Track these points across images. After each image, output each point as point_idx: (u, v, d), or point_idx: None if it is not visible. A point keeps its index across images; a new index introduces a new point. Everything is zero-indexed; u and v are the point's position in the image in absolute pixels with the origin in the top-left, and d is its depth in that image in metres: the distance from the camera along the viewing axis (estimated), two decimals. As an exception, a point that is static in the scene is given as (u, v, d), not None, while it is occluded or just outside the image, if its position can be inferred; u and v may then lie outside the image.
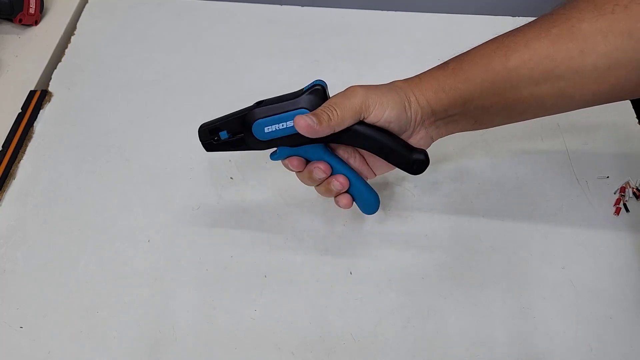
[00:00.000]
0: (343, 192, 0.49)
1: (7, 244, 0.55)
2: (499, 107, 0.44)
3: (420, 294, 0.52)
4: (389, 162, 0.47)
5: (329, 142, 0.46)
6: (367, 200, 0.50)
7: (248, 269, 0.54)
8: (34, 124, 0.65)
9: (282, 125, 0.45)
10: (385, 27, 0.75)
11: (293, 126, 0.44)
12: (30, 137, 0.64)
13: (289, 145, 0.47)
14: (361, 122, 0.45)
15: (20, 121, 0.64)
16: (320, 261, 0.54)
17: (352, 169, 0.49)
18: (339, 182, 0.47)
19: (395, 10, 0.76)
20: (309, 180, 0.49)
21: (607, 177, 0.59)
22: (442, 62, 0.47)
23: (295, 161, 0.48)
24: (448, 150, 0.61)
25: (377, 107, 0.44)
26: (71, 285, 0.53)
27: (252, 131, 0.46)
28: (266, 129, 0.45)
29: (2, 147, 0.62)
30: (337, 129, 0.44)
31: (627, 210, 0.56)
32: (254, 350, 0.49)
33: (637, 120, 0.64)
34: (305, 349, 0.49)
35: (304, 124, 0.43)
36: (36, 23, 0.75)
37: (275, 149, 0.48)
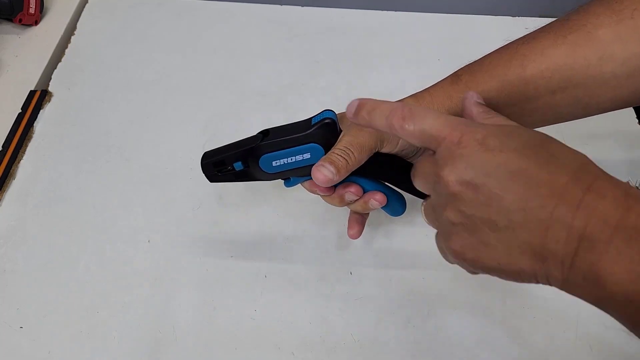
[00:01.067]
0: (369, 191, 0.46)
1: (7, 244, 0.55)
2: (513, 117, 0.41)
3: (420, 294, 0.52)
4: (399, 188, 0.46)
5: None
6: (393, 204, 0.47)
7: (248, 269, 0.54)
8: (34, 124, 0.65)
9: (291, 159, 0.43)
10: (385, 27, 0.75)
11: (302, 160, 0.43)
12: (30, 137, 0.64)
13: (299, 176, 0.45)
14: (378, 155, 0.43)
15: (20, 121, 0.64)
16: (320, 261, 0.54)
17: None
18: (352, 192, 0.44)
19: (395, 10, 0.76)
20: (340, 203, 0.46)
21: (607, 177, 0.59)
22: (453, 73, 0.45)
23: (322, 187, 0.44)
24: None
25: (392, 138, 0.42)
26: (71, 285, 0.53)
27: (260, 165, 0.44)
28: (274, 163, 0.44)
29: (2, 147, 0.62)
30: (355, 168, 0.42)
31: (627, 210, 0.56)
32: (254, 350, 0.49)
33: (637, 120, 0.64)
34: (305, 349, 0.49)
35: (323, 178, 0.40)
36: (36, 23, 0.75)
37: (288, 178, 0.46)
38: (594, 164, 0.30)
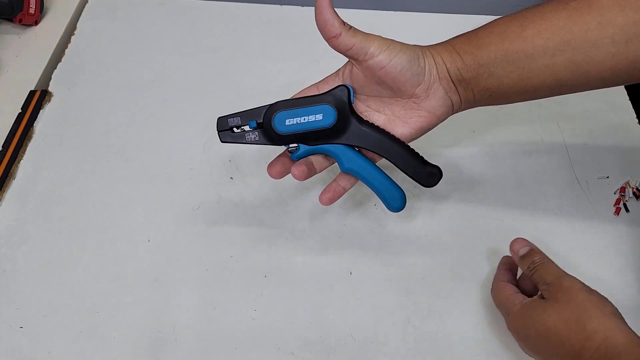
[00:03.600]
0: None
1: (7, 244, 0.55)
2: (513, 78, 0.43)
3: (420, 294, 0.52)
4: (403, 171, 0.47)
5: (348, 144, 0.46)
6: (392, 195, 0.48)
7: (248, 268, 0.54)
8: (34, 124, 0.65)
9: (304, 119, 0.45)
10: (385, 27, 0.74)
11: (315, 121, 0.45)
12: (30, 137, 0.64)
13: (307, 142, 0.46)
14: (381, 130, 0.45)
15: (20, 121, 0.64)
16: (320, 261, 0.54)
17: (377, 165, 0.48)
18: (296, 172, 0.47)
19: (395, 10, 0.76)
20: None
21: (607, 177, 0.59)
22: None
23: (298, 169, 0.47)
24: (448, 150, 0.61)
25: (391, 49, 0.43)
26: (71, 285, 0.53)
27: (273, 123, 0.45)
28: (287, 122, 0.45)
29: (2, 147, 0.62)
30: (342, 38, 0.42)
31: (627, 210, 0.56)
32: (254, 350, 0.49)
33: (637, 120, 0.64)
34: (305, 349, 0.49)
35: (327, 11, 0.42)
36: (36, 23, 0.75)
37: (296, 147, 0.47)
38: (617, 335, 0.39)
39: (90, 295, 0.52)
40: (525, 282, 0.49)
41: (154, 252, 0.55)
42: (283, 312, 0.51)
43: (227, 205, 0.58)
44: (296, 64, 0.70)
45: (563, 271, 0.45)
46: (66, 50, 0.72)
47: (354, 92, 0.46)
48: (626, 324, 0.40)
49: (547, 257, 0.47)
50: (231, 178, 0.60)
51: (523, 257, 0.47)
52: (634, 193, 0.57)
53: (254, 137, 0.47)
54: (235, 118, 0.47)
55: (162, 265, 0.54)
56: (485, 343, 0.49)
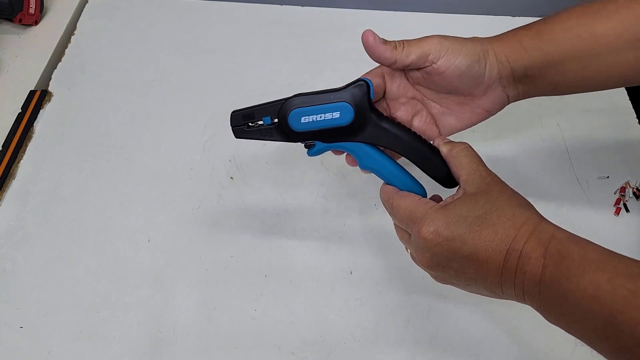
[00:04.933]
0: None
1: (7, 244, 0.55)
2: (579, 74, 0.43)
3: (420, 294, 0.52)
4: (424, 171, 0.46)
5: (368, 142, 0.45)
6: (412, 191, 0.46)
7: (248, 269, 0.54)
8: (34, 124, 0.65)
9: (321, 116, 0.43)
10: (385, 27, 0.74)
11: (332, 119, 0.43)
12: (30, 137, 0.64)
13: (324, 140, 0.45)
14: (401, 127, 0.44)
15: (20, 121, 0.64)
16: (320, 261, 0.54)
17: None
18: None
19: (395, 10, 0.76)
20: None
21: (607, 177, 0.59)
22: (527, 24, 0.46)
23: (349, 159, 0.47)
24: (448, 150, 0.61)
25: (450, 53, 0.42)
26: (71, 285, 0.53)
27: (288, 120, 0.44)
28: (303, 119, 0.43)
29: (2, 147, 0.62)
30: (399, 63, 0.42)
31: (627, 210, 0.56)
32: (254, 350, 0.49)
33: (637, 120, 0.64)
34: (305, 349, 0.49)
35: (370, 35, 0.42)
36: (36, 23, 0.75)
37: (312, 144, 0.46)
38: (529, 223, 0.38)
39: (90, 295, 0.52)
40: None
41: (154, 252, 0.55)
42: (283, 312, 0.51)
43: (227, 205, 0.58)
44: (296, 64, 0.70)
45: (477, 161, 0.43)
46: (66, 50, 0.72)
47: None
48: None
49: (456, 145, 0.44)
50: (231, 178, 0.60)
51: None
52: (634, 193, 0.57)
53: (269, 134, 0.45)
54: (249, 113, 0.45)
55: (162, 265, 0.54)
56: (485, 343, 0.49)
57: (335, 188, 0.59)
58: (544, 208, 0.57)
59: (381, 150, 0.46)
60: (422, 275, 0.53)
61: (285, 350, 0.49)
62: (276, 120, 0.44)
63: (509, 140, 0.62)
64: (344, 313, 0.51)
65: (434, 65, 0.43)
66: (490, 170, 0.42)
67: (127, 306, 0.51)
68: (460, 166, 0.42)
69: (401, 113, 0.47)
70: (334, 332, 0.50)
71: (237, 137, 0.46)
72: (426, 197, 0.46)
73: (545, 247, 0.36)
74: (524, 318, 0.50)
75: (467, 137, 0.60)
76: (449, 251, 0.38)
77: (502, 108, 0.47)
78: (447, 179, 0.45)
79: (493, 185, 0.40)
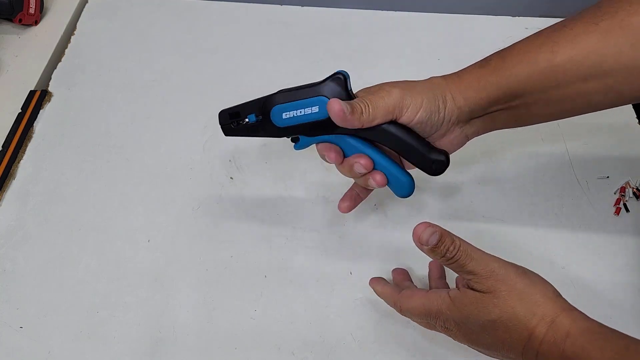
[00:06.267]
0: (373, 170, 0.46)
1: (7, 244, 0.55)
2: (542, 105, 0.43)
3: (420, 294, 0.52)
4: (408, 160, 0.46)
5: (349, 134, 0.45)
6: (399, 182, 0.47)
7: (248, 269, 0.53)
8: (34, 124, 0.65)
9: (301, 112, 0.44)
10: (385, 27, 0.75)
11: (311, 113, 0.44)
12: (30, 137, 0.64)
13: (307, 134, 0.46)
14: (390, 121, 0.44)
15: (20, 121, 0.64)
16: (320, 261, 0.54)
17: (381, 150, 0.47)
18: (362, 164, 0.45)
19: (395, 10, 0.76)
20: (348, 172, 0.47)
21: (607, 177, 0.59)
22: (483, 58, 0.45)
23: (332, 153, 0.46)
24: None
25: (411, 109, 0.43)
26: (71, 285, 0.53)
27: (271, 117, 0.45)
28: (284, 115, 0.45)
29: (2, 147, 0.62)
30: (365, 126, 0.43)
31: (627, 210, 0.56)
32: (254, 350, 0.49)
33: (637, 120, 0.64)
34: (305, 349, 0.49)
35: (338, 108, 0.41)
36: (36, 23, 0.75)
37: (297, 138, 0.47)
38: (542, 323, 0.37)
39: (90, 295, 0.52)
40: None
41: (154, 252, 0.55)
42: (283, 312, 0.51)
43: (227, 205, 0.58)
44: (296, 64, 0.70)
45: (487, 255, 0.40)
46: (66, 50, 0.72)
47: None
48: (567, 301, 0.40)
49: (460, 239, 0.40)
50: (231, 178, 0.60)
51: (434, 248, 0.40)
52: (634, 193, 0.57)
53: (256, 131, 0.47)
54: (235, 111, 0.47)
55: (162, 265, 0.54)
56: (485, 343, 0.49)
57: (336, 188, 0.59)
58: (544, 208, 0.57)
59: (367, 141, 0.46)
60: (422, 276, 0.53)
61: (285, 350, 0.49)
62: (260, 117, 0.46)
63: (509, 141, 0.62)
64: (344, 313, 0.51)
65: (397, 119, 0.44)
66: (500, 261, 0.41)
67: (127, 306, 0.51)
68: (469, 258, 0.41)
69: None
70: (333, 332, 0.50)
71: (226, 135, 0.48)
72: (414, 185, 0.47)
73: (561, 349, 0.36)
74: (524, 318, 0.50)
75: (467, 137, 0.60)
76: (471, 333, 0.41)
77: (462, 146, 0.48)
78: (430, 167, 0.46)
79: (499, 285, 0.39)
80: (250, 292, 0.52)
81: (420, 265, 0.53)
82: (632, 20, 0.38)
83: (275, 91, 0.45)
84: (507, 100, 0.43)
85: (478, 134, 0.47)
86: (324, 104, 0.43)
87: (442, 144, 0.47)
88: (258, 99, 0.46)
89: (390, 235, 0.56)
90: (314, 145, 0.47)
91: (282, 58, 0.71)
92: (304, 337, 0.50)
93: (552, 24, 0.44)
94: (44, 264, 0.54)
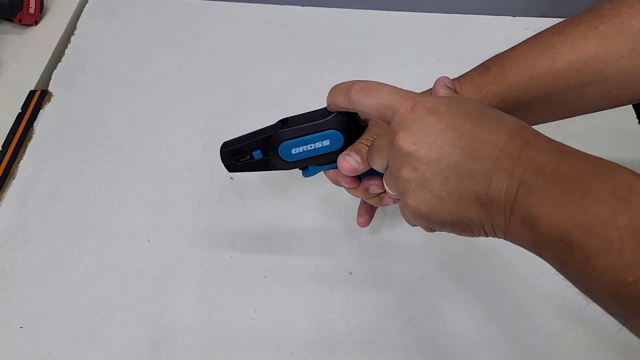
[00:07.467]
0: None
1: (7, 244, 0.55)
2: (541, 109, 0.42)
3: (420, 294, 0.52)
4: None
5: None
6: None
7: (248, 269, 0.54)
8: (34, 124, 0.65)
9: (311, 146, 0.42)
10: (385, 27, 0.75)
11: (322, 147, 0.42)
12: (30, 137, 0.64)
13: (317, 164, 0.44)
14: None
15: (20, 121, 0.64)
16: (320, 261, 0.54)
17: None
18: (377, 185, 0.44)
19: (395, 10, 0.76)
20: (364, 195, 0.45)
21: (607, 177, 0.59)
22: (481, 63, 0.45)
23: (348, 179, 0.44)
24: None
25: None
26: (71, 285, 0.53)
27: (279, 153, 0.43)
28: (293, 151, 0.43)
29: (2, 147, 0.62)
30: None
31: (627, 210, 0.56)
32: (254, 350, 0.49)
33: (637, 121, 0.64)
34: (305, 349, 0.49)
35: (349, 167, 0.41)
36: (36, 23, 0.75)
37: (306, 167, 0.45)
38: (531, 127, 0.33)
39: (90, 295, 0.52)
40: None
41: (154, 252, 0.55)
42: (283, 312, 0.51)
43: (227, 205, 0.58)
44: (296, 64, 0.70)
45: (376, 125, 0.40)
46: (66, 50, 0.72)
47: None
48: None
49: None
50: (231, 178, 0.60)
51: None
52: (634, 193, 0.57)
53: (263, 166, 0.45)
54: (238, 150, 0.44)
55: (162, 265, 0.54)
56: (485, 343, 0.49)
57: (336, 188, 0.59)
58: (544, 208, 0.57)
59: None
60: (422, 275, 0.53)
61: (285, 350, 0.49)
62: (266, 154, 0.44)
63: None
64: (343, 313, 0.51)
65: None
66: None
67: (127, 306, 0.51)
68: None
69: None
70: (333, 332, 0.50)
71: (230, 171, 0.46)
72: None
73: (558, 145, 0.32)
74: (523, 318, 0.50)
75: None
76: (442, 123, 0.33)
77: None
78: None
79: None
80: (250, 292, 0.52)
81: (420, 265, 0.53)
82: (631, 24, 0.38)
83: (278, 121, 0.44)
84: (507, 108, 0.43)
85: None
86: (336, 137, 0.42)
87: None
88: (261, 133, 0.44)
89: (390, 235, 0.56)
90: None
91: (282, 58, 0.71)
92: (304, 337, 0.50)
93: (552, 24, 0.43)
94: (44, 264, 0.54)
